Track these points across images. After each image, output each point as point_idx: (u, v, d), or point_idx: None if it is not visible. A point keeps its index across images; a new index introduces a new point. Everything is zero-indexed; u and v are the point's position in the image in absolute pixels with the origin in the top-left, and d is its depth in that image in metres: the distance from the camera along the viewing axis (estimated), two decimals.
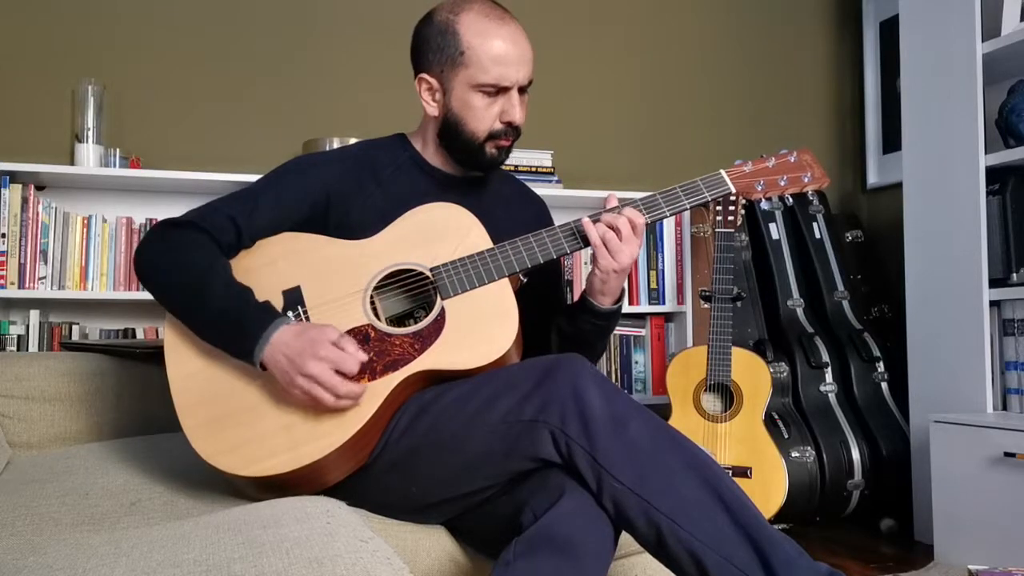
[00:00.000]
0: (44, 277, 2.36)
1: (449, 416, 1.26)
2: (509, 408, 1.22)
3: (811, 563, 1.13)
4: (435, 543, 1.34)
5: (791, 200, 1.55)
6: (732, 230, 2.40)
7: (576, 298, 1.65)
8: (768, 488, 2.29)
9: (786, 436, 2.59)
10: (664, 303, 2.89)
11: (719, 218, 2.40)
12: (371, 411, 1.25)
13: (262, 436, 1.24)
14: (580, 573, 1.13)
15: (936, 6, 2.53)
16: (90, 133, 2.45)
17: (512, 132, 1.44)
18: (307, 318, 1.33)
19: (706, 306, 2.49)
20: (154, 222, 2.07)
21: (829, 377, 2.78)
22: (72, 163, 2.46)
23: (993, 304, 2.37)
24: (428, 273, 1.36)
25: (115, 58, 2.59)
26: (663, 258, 2.91)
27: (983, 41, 2.39)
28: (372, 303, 1.35)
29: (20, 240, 2.33)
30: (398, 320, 1.41)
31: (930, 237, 2.54)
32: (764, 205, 2.92)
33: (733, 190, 1.45)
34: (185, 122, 2.65)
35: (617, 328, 2.87)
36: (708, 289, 2.48)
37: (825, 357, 2.77)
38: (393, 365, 1.29)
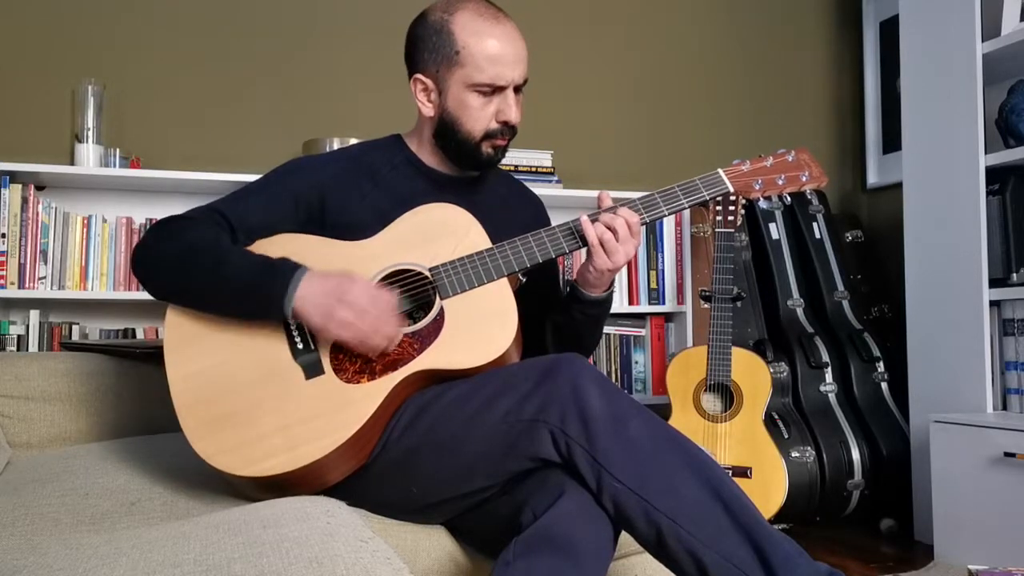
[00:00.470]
0: (44, 277, 2.36)
1: (449, 416, 1.26)
2: (509, 408, 1.22)
3: (811, 563, 1.13)
4: (435, 543, 1.34)
5: (791, 200, 1.55)
6: (732, 230, 2.40)
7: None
8: (768, 488, 2.29)
9: (786, 436, 2.59)
10: (664, 303, 2.89)
11: (719, 218, 2.40)
12: (370, 411, 1.25)
13: (261, 436, 1.24)
14: (580, 573, 1.13)
15: (936, 6, 2.53)
16: (90, 133, 2.45)
17: (508, 131, 1.44)
18: None
19: (706, 306, 2.49)
20: (154, 222, 2.06)
21: (829, 377, 2.78)
22: (72, 163, 2.46)
23: (993, 304, 2.37)
24: (427, 273, 1.36)
25: (115, 58, 2.60)
26: (663, 258, 2.91)
27: (983, 41, 2.39)
28: None
29: (20, 240, 2.33)
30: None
31: (930, 237, 2.54)
32: (763, 205, 2.92)
33: (731, 189, 1.45)
34: (185, 122, 2.65)
35: (617, 328, 2.87)
36: (708, 289, 2.48)
37: (825, 357, 2.77)
38: (392, 365, 1.29)
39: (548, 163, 2.80)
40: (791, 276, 2.93)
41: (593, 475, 1.17)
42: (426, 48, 1.43)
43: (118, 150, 2.48)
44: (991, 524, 2.13)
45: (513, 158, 2.71)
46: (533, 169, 2.77)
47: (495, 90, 1.41)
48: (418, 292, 1.40)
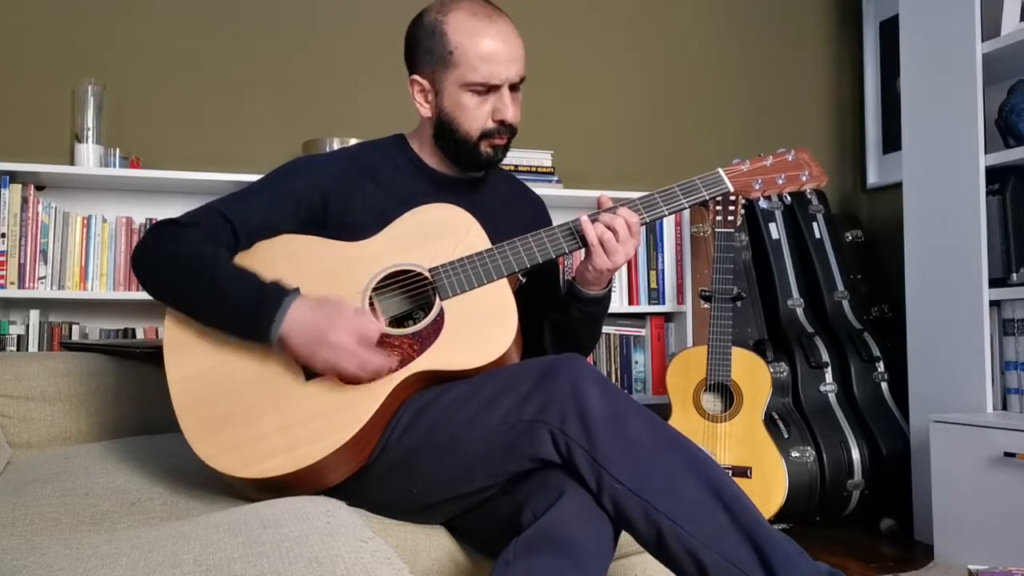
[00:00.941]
0: (44, 277, 2.36)
1: (449, 416, 1.26)
2: (509, 408, 1.22)
3: (811, 563, 1.13)
4: (435, 543, 1.34)
5: (790, 199, 1.55)
6: (732, 230, 2.40)
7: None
8: (768, 488, 2.29)
9: (786, 436, 2.59)
10: (664, 303, 2.89)
11: (719, 218, 2.40)
12: (370, 412, 1.25)
13: (261, 437, 1.24)
14: (580, 573, 1.13)
15: (936, 6, 2.53)
16: (90, 133, 2.45)
17: (506, 130, 1.44)
18: None
19: (706, 306, 2.49)
20: (154, 222, 2.07)
21: (829, 377, 2.78)
22: (72, 163, 2.46)
23: (993, 304, 2.37)
24: (427, 274, 1.36)
25: (115, 58, 2.59)
26: (663, 258, 2.91)
27: (983, 41, 2.39)
28: (371, 304, 1.35)
29: (20, 240, 2.33)
30: (397, 321, 1.41)
31: (930, 237, 2.54)
32: (764, 204, 2.92)
33: (731, 188, 1.45)
34: (185, 122, 2.65)
35: (617, 328, 2.87)
36: (708, 289, 2.48)
37: (825, 357, 2.77)
38: None
39: (548, 163, 2.80)
40: (791, 276, 2.93)
41: (593, 475, 1.17)
42: (422, 49, 1.43)
43: (118, 150, 2.48)
44: (991, 524, 2.13)
45: (513, 158, 2.71)
46: (533, 169, 2.77)
47: (490, 89, 1.40)
48: (418, 292, 1.40)
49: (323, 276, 1.36)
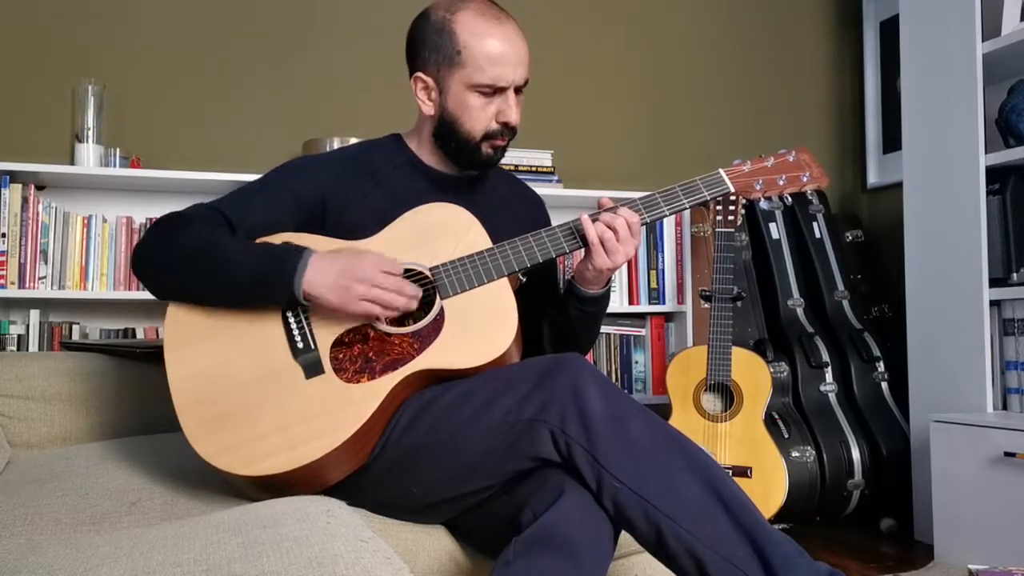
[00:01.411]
0: (44, 277, 2.36)
1: (449, 416, 1.26)
2: (509, 408, 1.22)
3: (811, 563, 1.13)
4: (435, 543, 1.34)
5: (791, 200, 1.55)
6: (732, 230, 2.40)
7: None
8: (768, 488, 2.29)
9: (786, 436, 2.59)
10: (664, 303, 2.89)
11: (719, 218, 2.40)
12: (370, 411, 1.25)
13: (261, 436, 1.24)
14: (580, 572, 1.13)
15: (936, 6, 2.53)
16: (90, 133, 2.45)
17: (508, 132, 1.44)
18: (306, 319, 1.33)
19: (706, 306, 2.49)
20: (154, 221, 2.06)
21: (829, 377, 2.78)
22: (72, 163, 2.46)
23: (993, 304, 2.37)
24: (427, 273, 1.36)
25: (115, 58, 2.60)
26: (663, 258, 2.91)
27: (983, 41, 2.39)
28: None
29: (20, 240, 2.33)
30: (397, 320, 1.41)
31: (930, 237, 2.54)
32: (764, 205, 2.92)
33: (732, 189, 1.45)
34: (185, 122, 2.65)
35: (617, 328, 2.87)
36: (708, 289, 2.48)
37: (825, 357, 2.77)
38: (392, 365, 1.29)
39: (548, 163, 2.80)
40: (791, 276, 2.93)
41: (593, 475, 1.17)
42: (427, 47, 1.42)
43: (118, 150, 2.48)
44: (991, 524, 2.13)
45: (513, 158, 2.71)
46: (533, 169, 2.77)
47: (496, 91, 1.41)
48: None
49: None
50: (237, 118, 2.69)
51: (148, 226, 2.49)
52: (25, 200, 2.35)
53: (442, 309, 1.33)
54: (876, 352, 2.80)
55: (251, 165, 2.55)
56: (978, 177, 2.38)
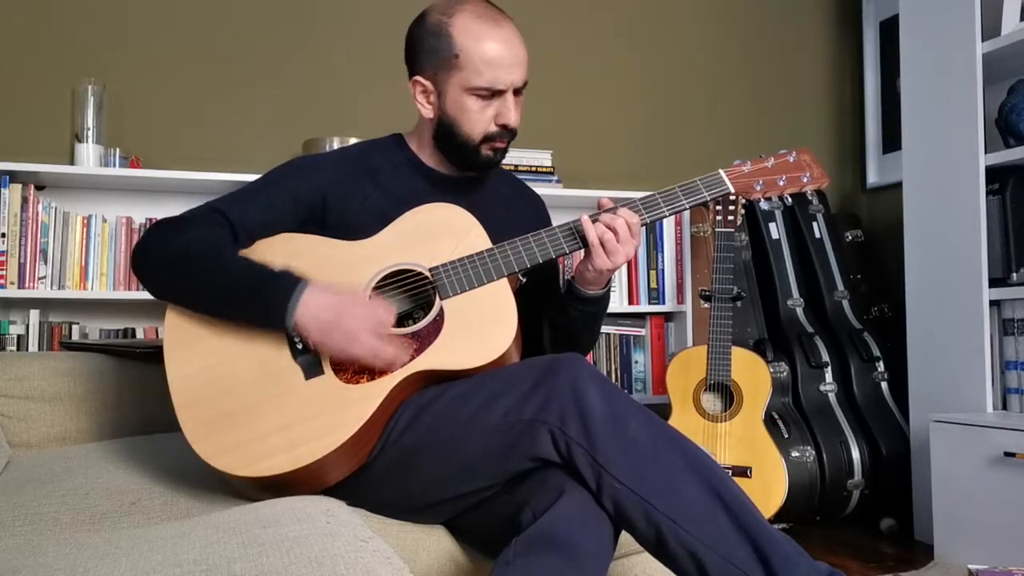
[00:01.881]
0: (44, 277, 2.36)
1: (448, 416, 1.26)
2: (508, 408, 1.22)
3: (811, 563, 1.13)
4: (435, 543, 1.34)
5: (791, 200, 1.55)
6: (732, 230, 2.40)
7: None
8: (768, 488, 2.29)
9: (786, 436, 2.59)
10: (664, 303, 2.89)
11: (719, 218, 2.40)
12: (370, 411, 1.25)
13: (261, 436, 1.24)
14: (579, 573, 1.13)
15: (936, 6, 2.53)
16: (90, 133, 2.45)
17: (507, 134, 1.44)
18: None
19: (706, 306, 2.49)
20: (154, 222, 2.07)
21: (829, 377, 2.78)
22: (72, 163, 2.46)
23: (993, 304, 2.37)
24: (427, 273, 1.36)
25: (115, 58, 2.59)
26: (663, 258, 2.91)
27: (983, 41, 2.39)
28: None
29: (20, 240, 2.33)
30: (397, 320, 1.41)
31: (930, 237, 2.54)
32: (764, 205, 2.92)
33: (732, 190, 1.45)
34: (185, 122, 2.65)
35: (617, 328, 2.87)
36: (708, 289, 2.48)
37: (825, 357, 2.77)
38: (392, 365, 1.29)
39: (548, 163, 2.80)
40: (791, 276, 2.94)
41: (593, 475, 1.17)
42: (425, 50, 1.42)
43: (118, 150, 2.48)
44: (991, 524, 2.13)
45: (513, 158, 2.71)
46: (533, 169, 2.77)
47: (494, 94, 1.40)
48: (418, 292, 1.40)
49: (323, 275, 1.35)
50: (237, 118, 2.69)
51: (148, 226, 2.49)
52: (25, 200, 2.35)
53: (442, 309, 1.33)
54: (876, 352, 2.80)
55: (251, 165, 2.55)
56: (978, 177, 2.38)
